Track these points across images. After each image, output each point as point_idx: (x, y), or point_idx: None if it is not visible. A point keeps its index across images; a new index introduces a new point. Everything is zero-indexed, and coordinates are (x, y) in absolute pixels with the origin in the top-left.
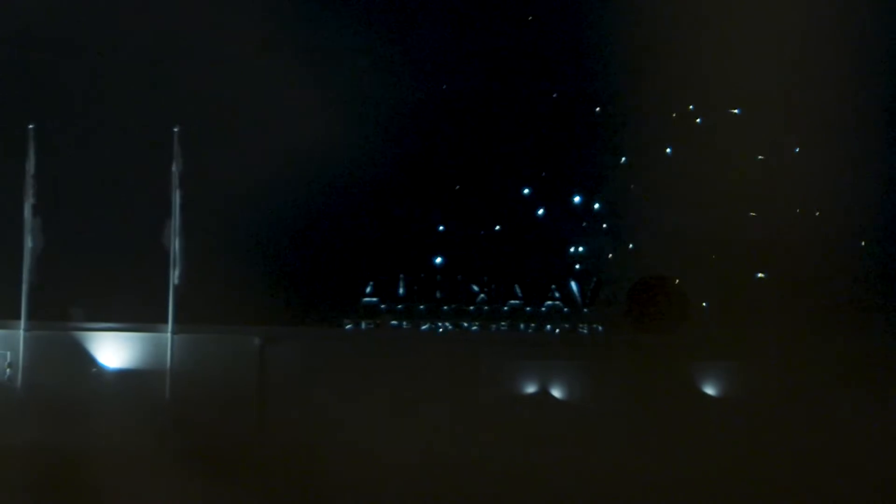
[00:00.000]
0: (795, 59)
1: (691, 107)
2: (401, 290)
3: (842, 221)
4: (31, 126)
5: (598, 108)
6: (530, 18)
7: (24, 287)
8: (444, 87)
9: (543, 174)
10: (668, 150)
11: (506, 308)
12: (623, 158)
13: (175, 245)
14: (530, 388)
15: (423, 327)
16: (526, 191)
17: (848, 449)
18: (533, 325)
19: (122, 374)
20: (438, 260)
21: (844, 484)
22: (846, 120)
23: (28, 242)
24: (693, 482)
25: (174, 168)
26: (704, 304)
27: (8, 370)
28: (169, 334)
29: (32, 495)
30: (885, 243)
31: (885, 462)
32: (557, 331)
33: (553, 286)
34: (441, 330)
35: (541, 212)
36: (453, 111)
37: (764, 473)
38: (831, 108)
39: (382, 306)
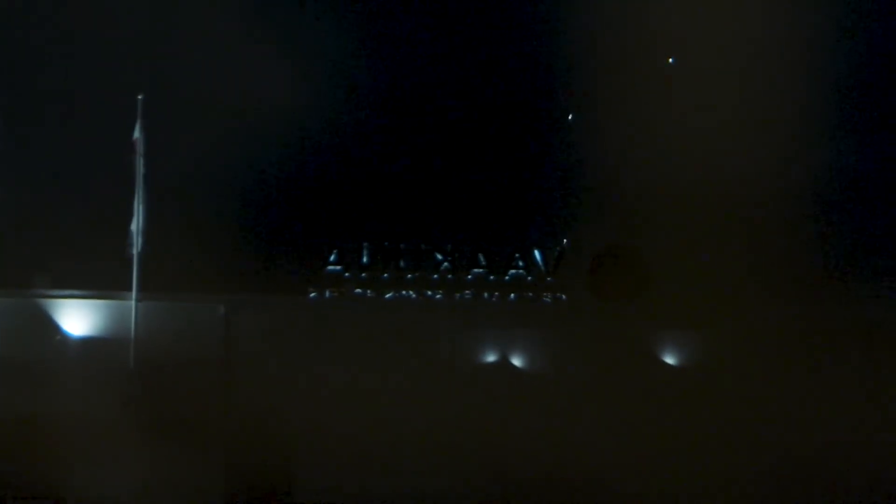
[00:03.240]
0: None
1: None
2: (365, 259)
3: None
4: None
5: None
6: None
7: None
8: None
9: (508, 142)
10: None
11: (469, 277)
12: (571, 117)
13: (139, 212)
14: (491, 357)
15: (387, 296)
16: (490, 158)
17: (807, 415)
18: (496, 294)
19: (86, 342)
20: (402, 229)
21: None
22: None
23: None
24: (652, 450)
25: (137, 136)
26: (666, 272)
27: None
28: (133, 302)
29: None
30: (851, 209)
31: (844, 426)
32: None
33: (517, 255)
34: (404, 298)
35: (505, 179)
36: (420, 82)
37: (723, 442)
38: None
39: (346, 274)
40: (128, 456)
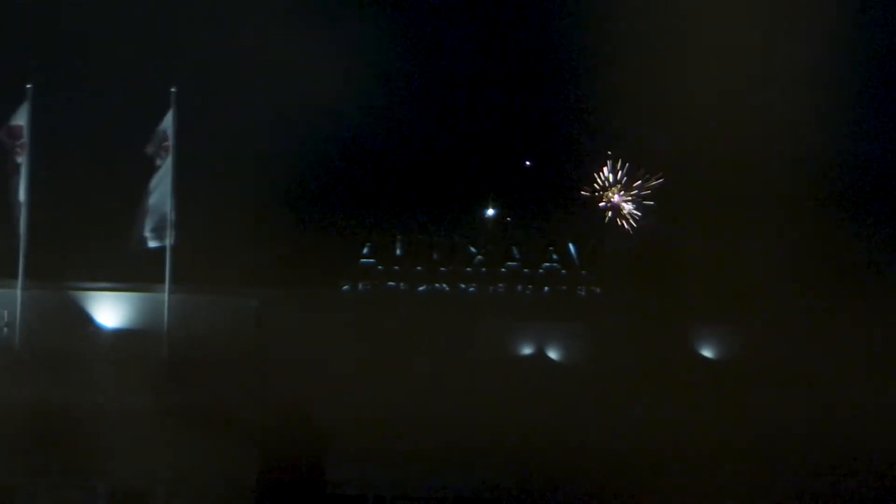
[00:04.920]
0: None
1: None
2: (398, 252)
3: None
4: (28, 85)
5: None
6: None
7: (21, 246)
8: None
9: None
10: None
11: (503, 270)
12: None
13: (171, 206)
14: (527, 350)
15: (421, 288)
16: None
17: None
18: (530, 287)
19: (119, 334)
20: (436, 221)
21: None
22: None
23: (23, 202)
24: (688, 442)
25: (171, 128)
26: (702, 266)
27: (4, 329)
28: (166, 294)
29: (28, 452)
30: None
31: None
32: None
33: (551, 248)
34: (438, 291)
35: (540, 173)
36: (453, 75)
37: (760, 433)
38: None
39: (380, 267)
40: (161, 445)
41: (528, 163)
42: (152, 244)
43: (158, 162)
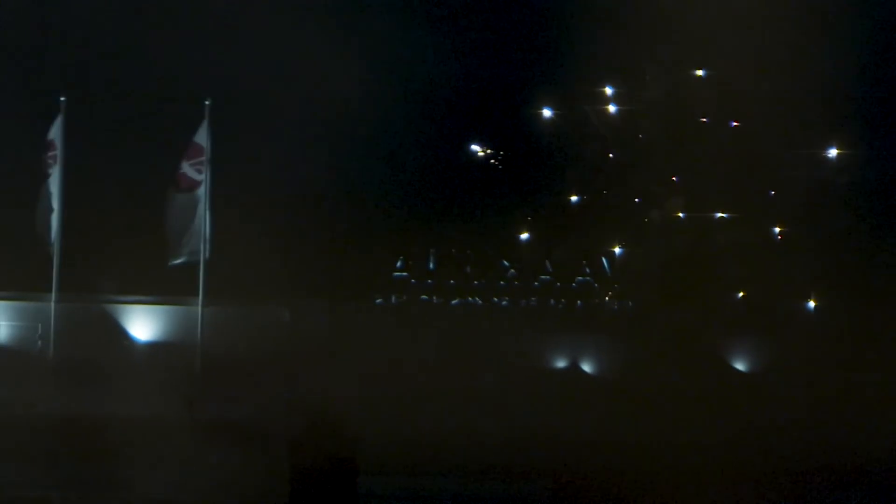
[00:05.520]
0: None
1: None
2: (431, 265)
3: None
4: (62, 98)
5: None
6: None
7: (55, 260)
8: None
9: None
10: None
11: (536, 283)
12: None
13: (206, 219)
14: (560, 363)
15: (454, 302)
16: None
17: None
18: (563, 300)
19: (153, 346)
20: (469, 235)
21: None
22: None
23: (55, 215)
24: (721, 454)
25: (205, 141)
26: (732, 278)
27: (39, 342)
28: (199, 307)
29: (62, 464)
30: None
31: None
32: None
33: (583, 262)
34: (471, 304)
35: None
36: (487, 92)
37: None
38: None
39: (413, 281)
40: (194, 457)
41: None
42: (189, 258)
43: (198, 177)
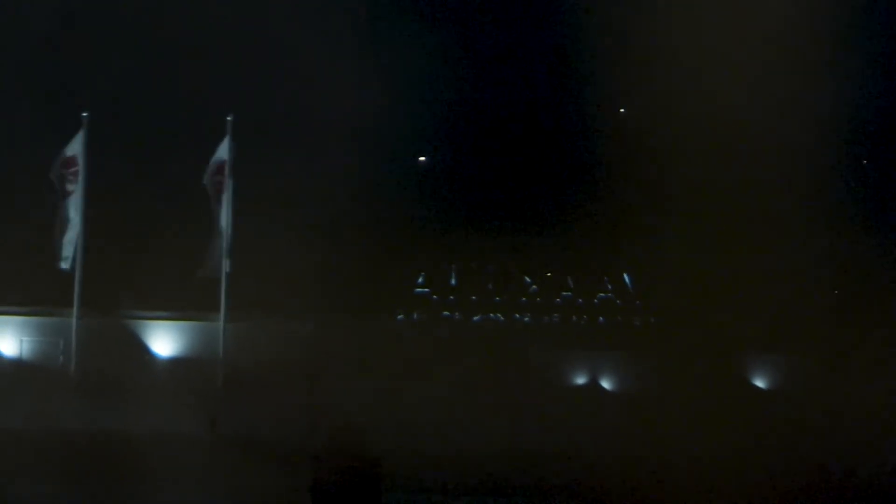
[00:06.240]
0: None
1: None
2: (453, 281)
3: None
4: (84, 114)
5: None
6: None
7: (77, 276)
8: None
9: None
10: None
11: (558, 300)
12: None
13: (228, 234)
14: (581, 379)
15: (475, 318)
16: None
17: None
18: (585, 317)
19: (175, 362)
20: (491, 251)
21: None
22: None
23: (77, 232)
24: (741, 472)
25: (227, 157)
26: (754, 297)
27: (60, 357)
28: (221, 322)
29: (84, 479)
30: None
31: None
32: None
33: (605, 278)
34: (492, 321)
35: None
36: (505, 104)
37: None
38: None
39: (434, 297)
40: (216, 472)
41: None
42: (212, 273)
43: (223, 195)
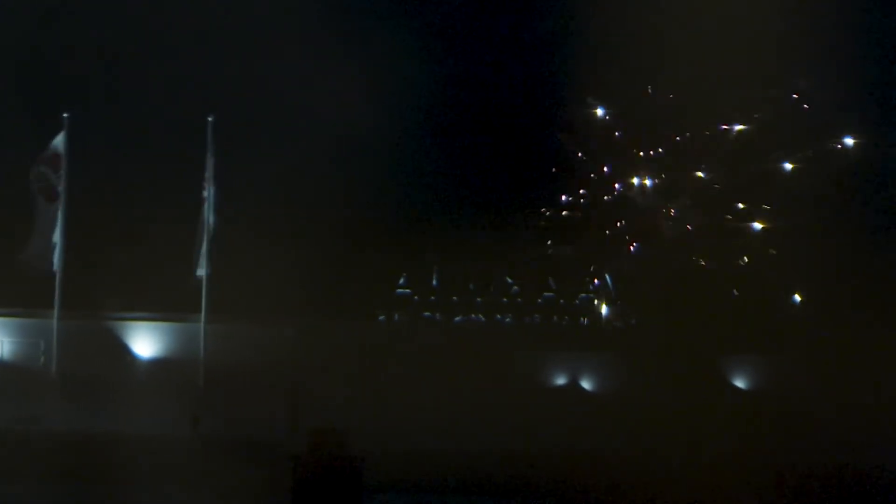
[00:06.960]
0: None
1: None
2: (434, 282)
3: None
4: (65, 114)
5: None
6: None
7: (58, 277)
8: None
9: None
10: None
11: (539, 301)
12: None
13: (206, 236)
14: (560, 380)
15: (457, 319)
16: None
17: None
18: (566, 317)
19: (155, 363)
20: (472, 252)
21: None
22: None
23: (59, 234)
24: (722, 472)
25: (208, 159)
26: (735, 298)
27: (42, 358)
28: (202, 324)
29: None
30: None
31: None
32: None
33: (587, 279)
34: (474, 321)
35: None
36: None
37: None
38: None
39: (416, 298)
40: (196, 473)
41: None
42: (198, 272)
43: (204, 194)
